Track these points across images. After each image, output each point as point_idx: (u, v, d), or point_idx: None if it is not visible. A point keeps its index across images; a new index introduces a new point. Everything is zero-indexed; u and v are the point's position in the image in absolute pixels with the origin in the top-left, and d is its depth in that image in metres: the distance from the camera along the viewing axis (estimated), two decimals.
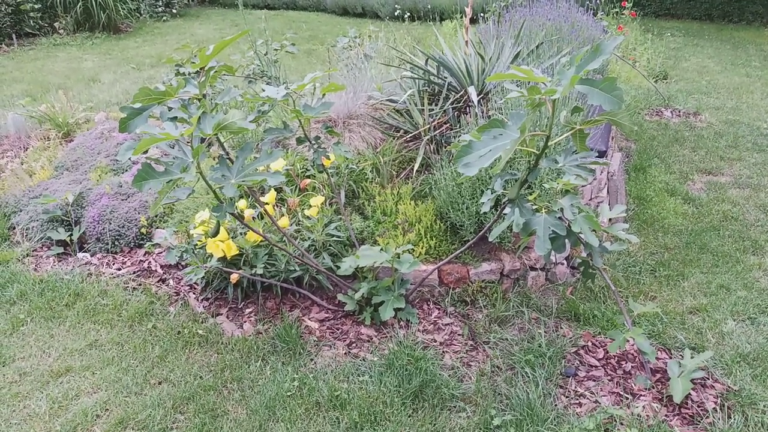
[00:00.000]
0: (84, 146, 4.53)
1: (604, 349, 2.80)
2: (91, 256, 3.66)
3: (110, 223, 3.69)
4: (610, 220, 3.68)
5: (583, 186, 3.53)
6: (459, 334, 2.93)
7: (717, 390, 2.52)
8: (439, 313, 3.08)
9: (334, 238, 3.16)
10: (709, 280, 3.36)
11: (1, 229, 3.87)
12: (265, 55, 5.39)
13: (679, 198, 4.37)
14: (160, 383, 2.65)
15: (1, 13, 9.49)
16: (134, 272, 3.49)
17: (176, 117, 2.27)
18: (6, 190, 4.17)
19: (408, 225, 3.27)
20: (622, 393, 2.54)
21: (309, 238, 3.12)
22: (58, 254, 3.68)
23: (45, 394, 2.58)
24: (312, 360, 2.77)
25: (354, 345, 2.88)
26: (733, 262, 3.54)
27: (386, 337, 2.91)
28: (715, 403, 2.45)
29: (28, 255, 3.67)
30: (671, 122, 5.99)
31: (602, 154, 3.76)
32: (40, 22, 10.09)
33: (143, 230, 3.69)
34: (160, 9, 12.16)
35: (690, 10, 11.93)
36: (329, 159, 2.97)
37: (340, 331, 2.98)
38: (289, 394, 2.54)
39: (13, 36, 9.63)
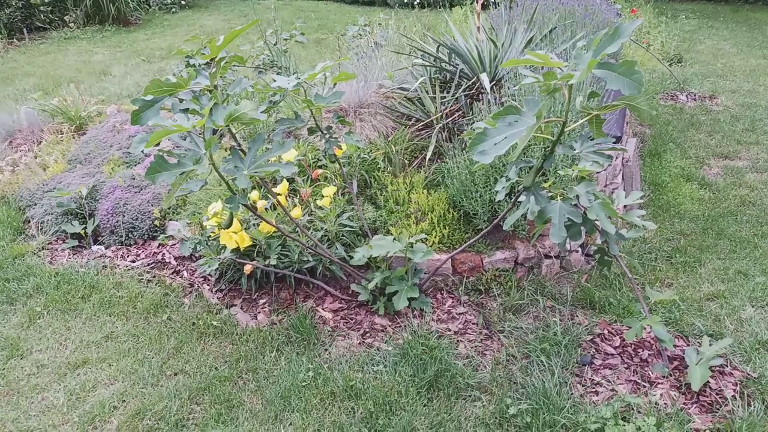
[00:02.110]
0: (96, 139, 4.54)
1: (620, 337, 2.78)
2: (106, 248, 3.68)
3: (124, 216, 3.70)
4: (625, 206, 3.63)
5: (597, 172, 3.49)
6: (473, 323, 2.92)
7: (736, 377, 2.49)
8: (453, 302, 3.06)
9: (347, 228, 3.15)
10: (726, 266, 3.31)
11: (16, 222, 3.90)
12: (274, 45, 5.37)
13: (695, 183, 4.31)
14: (175, 374, 2.67)
15: (12, 7, 9.51)
16: (148, 264, 3.51)
17: (188, 109, 2.26)
18: (20, 184, 4.20)
19: (421, 214, 3.25)
20: (639, 381, 2.51)
21: (322, 228, 3.11)
22: (72, 247, 3.71)
23: (62, 385, 2.61)
24: (326, 350, 2.77)
25: (368, 335, 2.88)
26: (751, 247, 3.49)
27: (400, 326, 2.90)
28: (734, 390, 2.42)
29: (43, 248, 3.70)
30: (686, 106, 5.90)
31: (617, 139, 3.71)
32: (50, 15, 10.12)
33: (156, 222, 3.70)
34: (168, 1, 12.15)
35: None
36: (341, 149, 2.95)
37: (354, 321, 2.98)
38: (304, 384, 2.54)
39: (24, 30, 9.67)
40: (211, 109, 2.17)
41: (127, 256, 3.60)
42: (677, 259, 3.40)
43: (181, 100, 2.31)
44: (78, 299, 3.18)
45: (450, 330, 2.87)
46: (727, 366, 2.56)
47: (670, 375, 2.53)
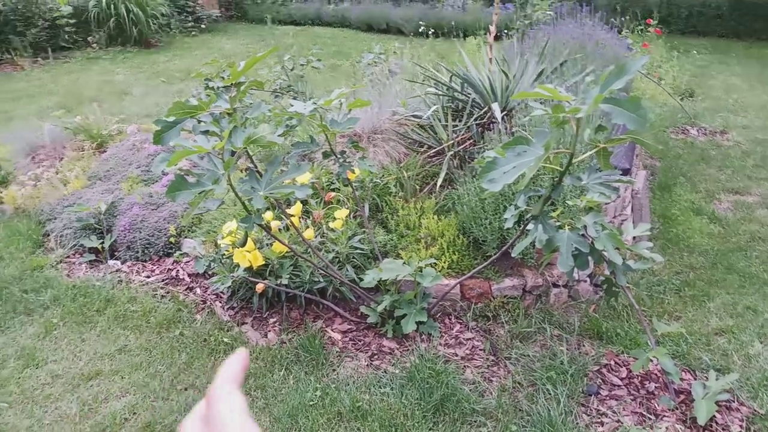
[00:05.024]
0: (116, 157, 4.66)
1: (627, 369, 2.79)
2: (122, 263, 3.76)
3: (140, 232, 3.79)
4: (634, 238, 3.66)
5: (606, 203, 3.53)
6: (480, 349, 2.94)
7: (743, 413, 2.49)
8: (460, 327, 3.09)
9: (358, 251, 3.20)
10: (735, 301, 3.32)
11: (36, 235, 4.00)
12: (291, 70, 5.51)
13: (705, 217, 4.33)
14: (186, 389, 2.71)
15: (38, 27, 9.81)
16: (163, 280, 3.57)
17: (208, 130, 2.34)
18: (41, 199, 4.31)
19: (431, 239, 3.30)
20: (645, 413, 2.52)
21: (333, 250, 3.17)
22: (90, 261, 3.79)
23: (76, 396, 2.66)
24: (334, 370, 2.80)
25: (376, 357, 2.91)
26: (760, 283, 3.50)
27: (408, 350, 2.93)
28: (741, 426, 2.42)
29: (61, 261, 3.78)
30: (697, 140, 5.94)
31: (626, 171, 3.75)
32: (74, 36, 10.41)
33: (172, 239, 3.78)
34: (189, 24, 12.46)
35: (716, 27, 11.83)
36: (354, 173, 3.03)
37: (362, 342, 3.01)
38: (311, 403, 2.57)
39: (49, 50, 9.95)
40: (231, 131, 2.25)
41: (142, 272, 3.67)
42: (686, 293, 3.41)
43: (199, 122, 2.40)
44: (93, 312, 3.25)
45: (457, 355, 2.90)
46: (733, 401, 2.56)
47: (677, 408, 2.53)
